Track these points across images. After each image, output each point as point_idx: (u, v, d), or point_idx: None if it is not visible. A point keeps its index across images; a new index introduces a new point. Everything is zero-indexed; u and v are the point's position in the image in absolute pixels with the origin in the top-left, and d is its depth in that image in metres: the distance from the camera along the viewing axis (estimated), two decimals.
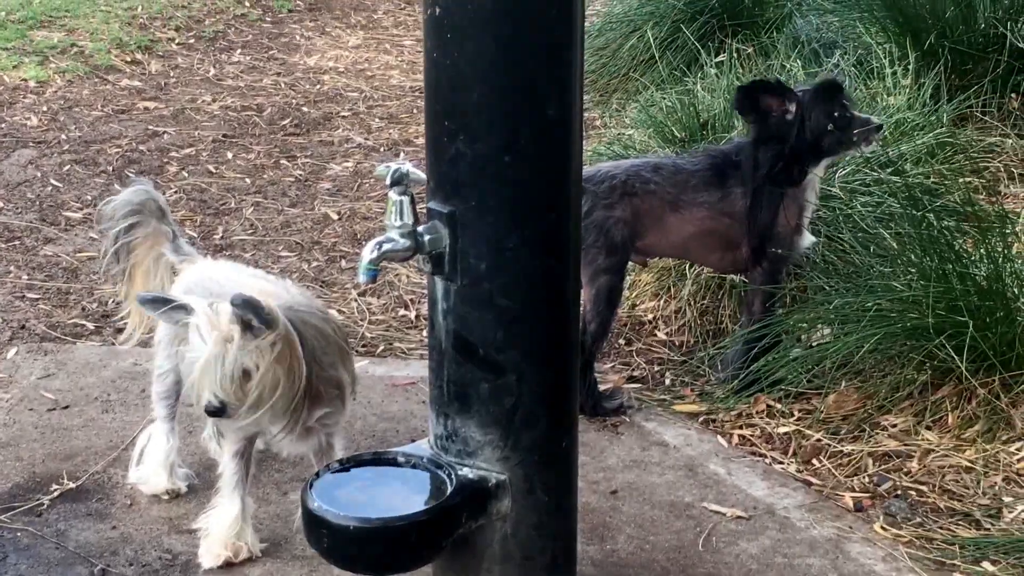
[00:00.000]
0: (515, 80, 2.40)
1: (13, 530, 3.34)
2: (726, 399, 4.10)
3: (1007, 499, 3.51)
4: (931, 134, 5.21)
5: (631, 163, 4.20)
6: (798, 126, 3.96)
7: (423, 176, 2.54)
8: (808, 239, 4.12)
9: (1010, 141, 5.59)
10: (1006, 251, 3.93)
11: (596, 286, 3.96)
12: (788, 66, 5.97)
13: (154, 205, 3.51)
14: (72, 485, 3.57)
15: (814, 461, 3.80)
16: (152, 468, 3.50)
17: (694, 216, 4.04)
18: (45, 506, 3.46)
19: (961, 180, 5.03)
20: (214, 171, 6.68)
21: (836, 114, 3.97)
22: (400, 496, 2.60)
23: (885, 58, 5.83)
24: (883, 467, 3.72)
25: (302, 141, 7.33)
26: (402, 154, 7.06)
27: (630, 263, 4.26)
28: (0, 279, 5.13)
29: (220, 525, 3.19)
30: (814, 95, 4.00)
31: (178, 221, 5.67)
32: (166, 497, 3.50)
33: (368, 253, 2.45)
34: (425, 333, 4.59)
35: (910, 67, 5.70)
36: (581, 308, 3.57)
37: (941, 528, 3.43)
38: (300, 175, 6.66)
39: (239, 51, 9.63)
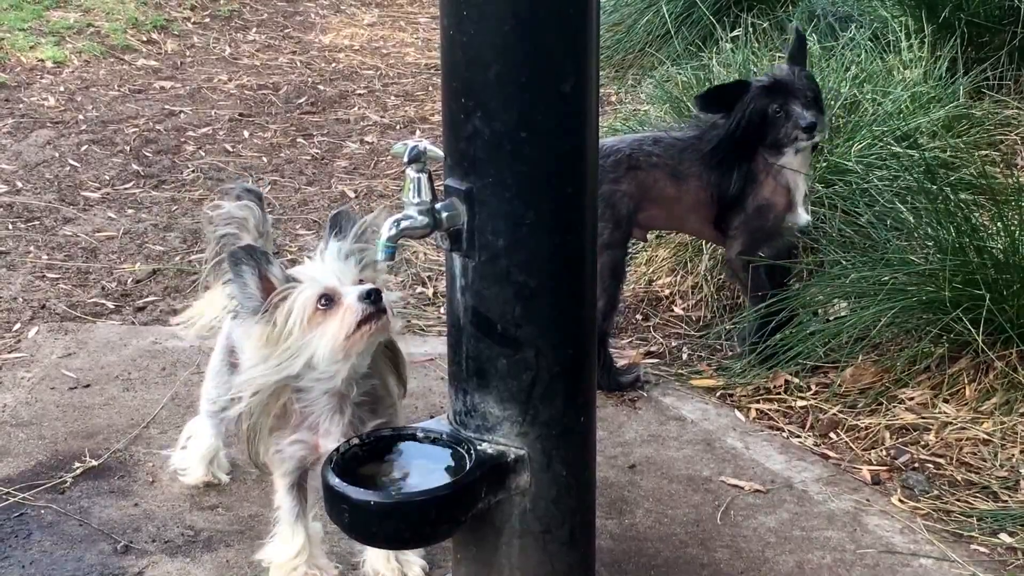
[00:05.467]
0: (531, 57, 2.40)
1: (37, 507, 3.37)
2: (743, 373, 4.11)
3: None
4: (947, 107, 5.20)
5: (634, 137, 4.28)
6: (736, 119, 4.01)
7: (440, 153, 2.55)
8: (803, 217, 4.11)
9: None
10: (1023, 224, 3.92)
11: (601, 261, 3.96)
12: None
13: (252, 223, 3.25)
14: (94, 463, 3.60)
15: (831, 435, 3.81)
16: (194, 460, 3.46)
17: (690, 187, 4.11)
18: (68, 484, 3.49)
19: (977, 153, 5.02)
20: (231, 150, 6.70)
21: (773, 110, 3.99)
22: (420, 472, 2.62)
23: (901, 31, 5.82)
24: (900, 440, 3.73)
25: (318, 119, 7.35)
26: (418, 132, 7.07)
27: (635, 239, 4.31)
28: (20, 259, 5.16)
29: (284, 555, 3.01)
30: (758, 90, 4.02)
31: (195, 200, 5.70)
32: (202, 487, 3.48)
33: (386, 231, 2.46)
34: (442, 310, 4.60)
35: (926, 40, 5.68)
36: None
37: (959, 500, 3.44)
38: (316, 153, 6.68)
39: (254, 30, 9.64)
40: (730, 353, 4.31)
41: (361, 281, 2.76)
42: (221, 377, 3.27)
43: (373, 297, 2.69)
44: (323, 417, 2.87)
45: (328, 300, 2.70)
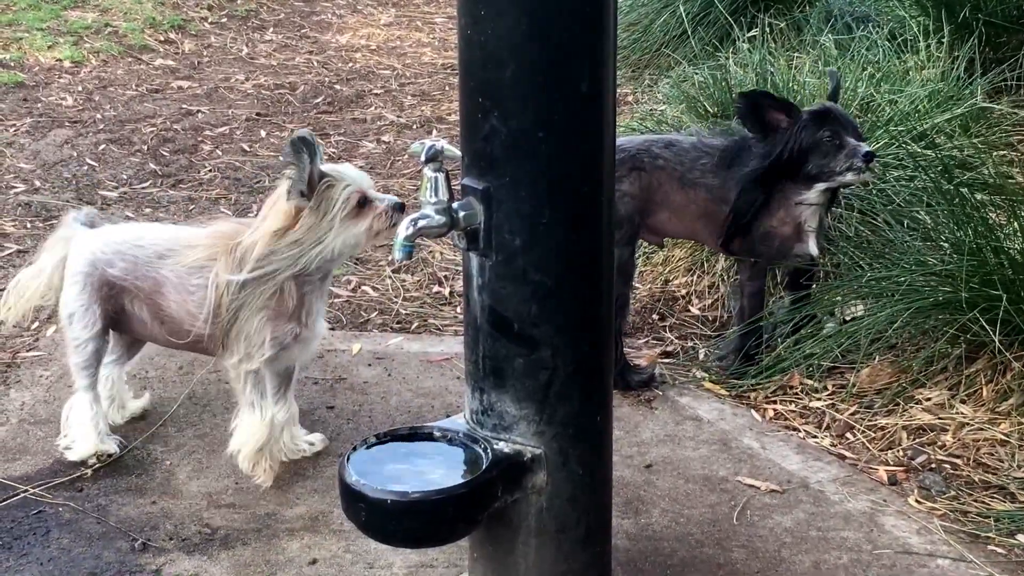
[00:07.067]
0: (548, 56, 2.41)
1: (55, 505, 3.38)
2: (757, 376, 4.10)
3: None
4: (964, 107, 5.19)
5: (645, 138, 4.22)
6: (783, 146, 3.91)
7: (458, 152, 2.55)
8: (811, 248, 4.01)
9: None
10: None
11: None
12: (820, 40, 5.95)
13: None
14: (111, 460, 3.61)
15: (848, 435, 3.80)
16: (79, 432, 3.57)
17: (699, 196, 4.04)
18: (86, 481, 3.50)
19: (995, 153, 5.00)
20: (248, 149, 6.71)
21: (825, 138, 3.87)
22: (437, 470, 2.62)
23: (918, 31, 5.81)
24: (917, 440, 3.72)
25: (335, 119, 7.36)
26: (435, 131, 7.08)
27: (649, 244, 4.27)
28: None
29: (258, 433, 3.39)
30: (809, 118, 3.91)
31: (212, 199, 5.72)
32: (93, 461, 3.56)
33: (404, 230, 2.47)
34: (459, 309, 4.61)
35: (944, 40, 5.67)
36: None
37: (976, 501, 3.43)
38: (333, 153, 6.69)
39: (271, 30, 9.66)
40: (715, 367, 4.26)
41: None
42: (87, 318, 3.51)
43: (400, 209, 3.26)
44: (316, 301, 3.37)
45: (364, 201, 3.24)
